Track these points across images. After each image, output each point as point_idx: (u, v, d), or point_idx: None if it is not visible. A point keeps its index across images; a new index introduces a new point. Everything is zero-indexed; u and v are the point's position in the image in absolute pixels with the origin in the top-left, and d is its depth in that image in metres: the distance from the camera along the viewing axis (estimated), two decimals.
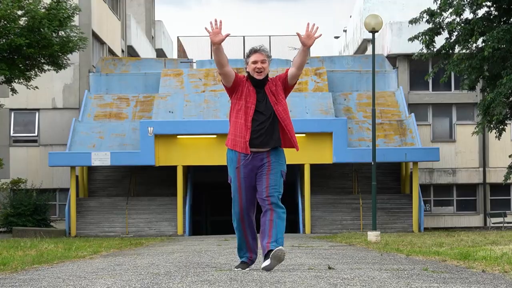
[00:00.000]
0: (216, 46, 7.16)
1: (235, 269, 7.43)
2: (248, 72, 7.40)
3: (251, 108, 7.28)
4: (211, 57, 37.30)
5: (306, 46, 7.28)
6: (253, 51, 7.35)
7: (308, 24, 7.27)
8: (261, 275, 6.73)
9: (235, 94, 7.37)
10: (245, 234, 7.46)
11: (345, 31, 52.44)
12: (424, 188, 34.61)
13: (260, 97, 7.34)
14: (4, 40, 26.17)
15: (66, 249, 13.13)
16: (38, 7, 26.27)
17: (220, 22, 7.18)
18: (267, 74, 7.40)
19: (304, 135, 29.33)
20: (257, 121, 7.27)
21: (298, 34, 7.26)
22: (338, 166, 31.75)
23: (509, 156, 29.04)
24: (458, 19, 26.30)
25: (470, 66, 25.79)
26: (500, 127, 26.82)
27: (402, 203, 31.12)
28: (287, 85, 7.46)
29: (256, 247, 7.51)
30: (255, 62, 7.32)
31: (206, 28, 7.12)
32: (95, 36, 36.20)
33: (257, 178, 7.31)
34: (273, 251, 7.03)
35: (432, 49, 26.65)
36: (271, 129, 7.32)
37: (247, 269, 7.39)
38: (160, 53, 52.48)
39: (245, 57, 7.47)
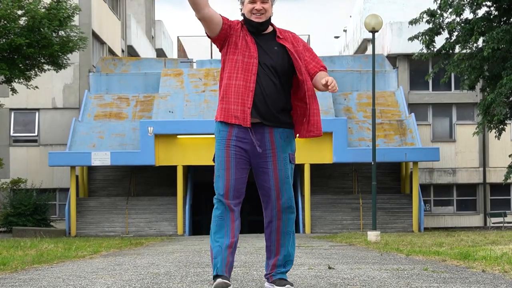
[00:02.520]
0: None
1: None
2: (243, 15, 5.45)
3: (253, 64, 5.31)
4: (211, 57, 37.30)
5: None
6: None
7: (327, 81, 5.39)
8: (261, 275, 6.73)
9: (227, 46, 5.40)
10: (229, 228, 5.29)
11: (345, 31, 52.46)
12: (424, 188, 34.61)
13: (263, 47, 5.36)
14: (4, 40, 26.17)
15: (66, 249, 13.13)
16: (38, 7, 26.27)
17: None
18: (270, 18, 5.44)
19: None
20: (262, 82, 5.31)
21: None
22: (338, 166, 31.75)
23: (509, 156, 29.04)
24: (458, 19, 26.32)
25: (470, 66, 25.79)
26: (500, 127, 26.83)
27: (402, 203, 31.12)
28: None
29: (233, 261, 5.37)
30: (252, 2, 5.35)
31: None
32: (95, 36, 36.19)
33: (257, 167, 5.38)
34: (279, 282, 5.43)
35: (432, 49, 26.66)
36: (282, 95, 5.37)
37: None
38: (160, 53, 52.49)
39: None
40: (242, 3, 5.42)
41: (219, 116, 5.39)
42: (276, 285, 5.39)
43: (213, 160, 5.41)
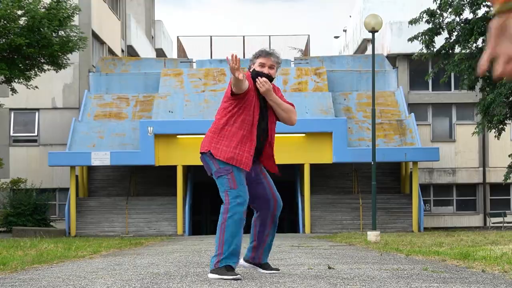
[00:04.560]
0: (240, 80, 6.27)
1: (232, 278, 6.34)
2: (254, 70, 6.64)
3: (255, 120, 6.55)
4: (211, 57, 37.31)
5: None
6: (264, 53, 6.61)
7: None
8: (261, 275, 6.73)
9: (242, 100, 6.52)
10: (241, 232, 6.64)
11: (345, 31, 52.45)
12: (424, 188, 34.62)
13: (262, 104, 6.65)
14: (4, 40, 26.18)
15: (66, 249, 13.13)
16: (38, 6, 26.28)
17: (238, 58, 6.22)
18: (272, 80, 6.72)
19: (304, 135, 29.35)
20: (260, 133, 6.65)
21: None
22: (338, 166, 31.76)
23: (509, 156, 29.05)
24: (458, 19, 26.33)
25: (470, 67, 25.81)
26: (500, 127, 26.84)
27: (402, 203, 31.13)
28: None
29: None
30: (262, 65, 6.59)
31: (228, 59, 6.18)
32: (95, 36, 36.20)
33: (253, 181, 6.69)
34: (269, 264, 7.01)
35: (432, 49, 26.66)
36: (265, 144, 6.73)
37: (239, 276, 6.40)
38: (160, 53, 52.48)
39: (253, 56, 6.68)
40: (253, 63, 6.63)
41: (227, 159, 6.44)
42: (265, 269, 6.83)
43: (222, 174, 6.46)
